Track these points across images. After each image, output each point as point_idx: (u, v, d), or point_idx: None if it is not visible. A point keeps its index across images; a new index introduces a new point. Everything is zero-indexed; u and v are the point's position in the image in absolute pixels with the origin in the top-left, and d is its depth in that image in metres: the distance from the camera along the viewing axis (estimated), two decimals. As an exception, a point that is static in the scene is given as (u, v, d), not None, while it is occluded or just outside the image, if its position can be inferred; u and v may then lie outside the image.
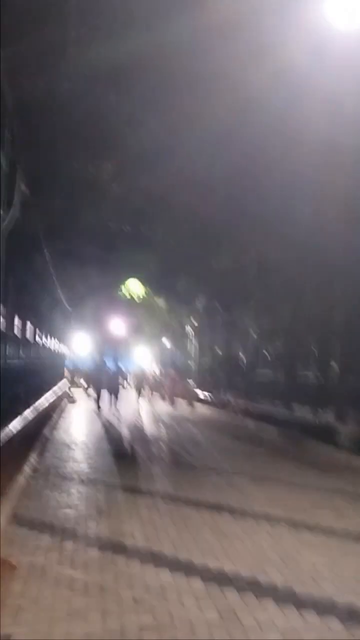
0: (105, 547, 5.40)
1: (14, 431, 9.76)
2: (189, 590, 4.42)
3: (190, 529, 6.11)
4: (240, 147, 12.77)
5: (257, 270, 17.47)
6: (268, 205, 14.52)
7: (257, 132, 11.62)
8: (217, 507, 7.04)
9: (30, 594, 4.23)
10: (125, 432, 14.46)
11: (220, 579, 4.69)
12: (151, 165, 16.28)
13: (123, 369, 27.99)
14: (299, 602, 4.29)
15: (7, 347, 10.02)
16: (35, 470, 8.91)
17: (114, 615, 3.91)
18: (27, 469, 8.93)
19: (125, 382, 25.91)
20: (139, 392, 24.23)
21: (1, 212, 8.30)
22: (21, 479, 8.17)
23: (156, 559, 5.10)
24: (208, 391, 22.79)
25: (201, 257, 20.11)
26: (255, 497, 7.79)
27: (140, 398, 23.81)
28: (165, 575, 4.73)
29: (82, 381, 32.26)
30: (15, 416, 10.62)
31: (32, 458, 9.81)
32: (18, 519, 6.17)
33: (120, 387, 24.01)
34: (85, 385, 29.79)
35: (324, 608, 4.19)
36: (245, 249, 17.37)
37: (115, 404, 20.13)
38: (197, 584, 4.58)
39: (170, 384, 23.28)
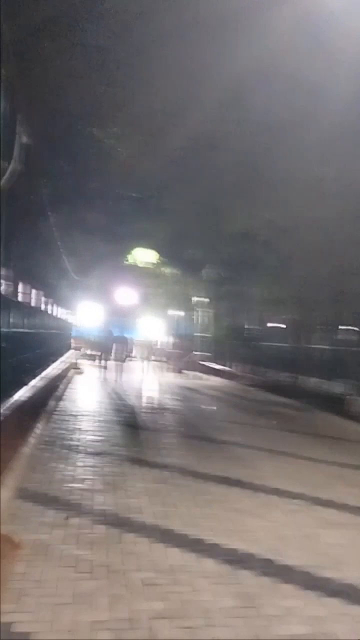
0: (112, 523, 5.16)
1: (19, 401, 9.52)
2: (200, 573, 4.17)
3: (200, 505, 5.86)
4: (253, 106, 12.20)
5: (268, 238, 17.00)
6: (281, 169, 14.02)
7: (271, 91, 11.02)
8: (227, 482, 6.79)
9: (33, 576, 3.99)
10: (132, 402, 14.25)
11: (233, 560, 4.44)
12: (161, 127, 15.77)
13: (129, 339, 27.80)
14: (319, 586, 4.03)
15: (11, 314, 9.69)
16: (40, 441, 8.67)
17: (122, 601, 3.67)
18: (32, 440, 8.70)
19: (131, 352, 25.50)
20: (146, 362, 23.82)
21: (0, 163, 7.80)
22: (26, 451, 7.93)
23: (165, 538, 4.86)
24: (216, 362, 22.57)
25: (210, 224, 19.63)
26: (267, 471, 7.54)
27: (148, 368, 23.63)
28: (175, 556, 4.49)
29: (89, 351, 32.16)
30: (21, 386, 10.38)
31: (38, 429, 9.58)
32: (22, 493, 5.93)
33: (127, 357, 23.85)
34: (93, 355, 29.70)
35: (346, 594, 3.93)
36: (256, 216, 16.88)
37: (121, 373, 19.92)
38: (209, 565, 4.33)
39: (178, 355, 23.02)
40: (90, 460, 7.62)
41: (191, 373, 22.18)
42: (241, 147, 13.97)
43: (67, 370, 21.45)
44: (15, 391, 9.68)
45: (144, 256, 24.43)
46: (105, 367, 24.54)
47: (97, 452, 8.19)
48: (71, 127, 14.79)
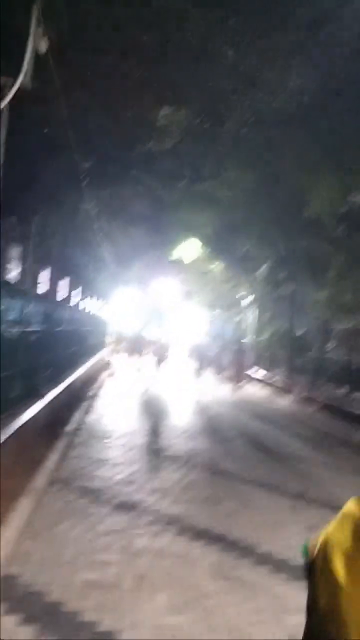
0: None
1: (29, 420, 7.30)
2: None
3: None
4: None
5: (336, 236, 14.42)
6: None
7: None
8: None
9: None
10: (178, 424, 11.67)
11: None
12: (220, 101, 13.44)
13: (167, 339, 25.57)
14: None
15: (23, 310, 7.51)
16: (51, 482, 6.41)
17: None
18: (40, 478, 6.44)
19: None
20: (198, 370, 20.71)
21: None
22: (27, 500, 5.68)
23: None
24: (267, 371, 20.03)
25: (269, 216, 17.13)
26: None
27: (194, 374, 20.89)
28: None
29: (125, 349, 30.02)
30: (35, 399, 8.15)
31: (51, 460, 7.32)
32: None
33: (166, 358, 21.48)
34: (131, 354, 27.53)
35: None
36: (324, 209, 14.29)
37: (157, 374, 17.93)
38: None
39: (236, 363, 20.46)
40: (117, 521, 5.30)
41: (241, 382, 19.70)
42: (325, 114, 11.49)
43: (97, 373, 19.27)
44: (25, 407, 7.46)
45: (190, 251, 22.09)
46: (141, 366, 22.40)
47: (129, 505, 5.86)
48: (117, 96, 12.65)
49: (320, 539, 1.00)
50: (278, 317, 20.65)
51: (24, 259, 12.20)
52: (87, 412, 11.49)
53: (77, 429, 9.50)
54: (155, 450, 8.54)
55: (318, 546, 0.99)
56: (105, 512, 5.57)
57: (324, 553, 0.97)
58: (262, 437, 10.43)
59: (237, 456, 8.68)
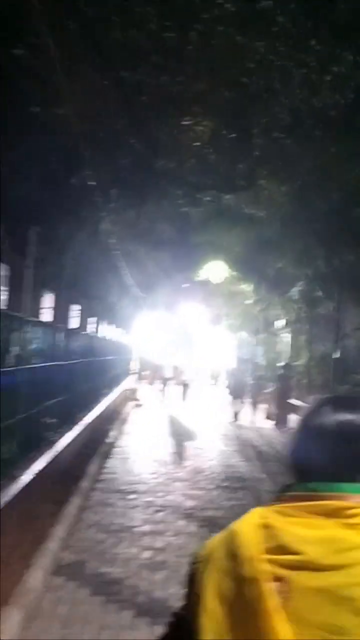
0: None
1: (30, 482, 5.77)
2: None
3: None
4: None
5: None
6: None
7: None
8: None
9: None
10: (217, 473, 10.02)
11: None
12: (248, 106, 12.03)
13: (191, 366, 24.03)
14: None
15: (26, 340, 6.08)
16: (55, 571, 4.86)
17: None
18: (37, 575, 4.88)
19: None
20: (235, 409, 17.48)
21: None
22: (22, 597, 4.16)
23: None
24: (303, 401, 18.31)
25: (308, 230, 15.58)
26: None
27: (232, 415, 17.58)
28: None
29: (149, 377, 28.57)
30: (39, 452, 6.63)
31: (56, 538, 5.76)
32: None
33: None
34: (153, 382, 26.08)
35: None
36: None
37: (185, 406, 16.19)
38: None
39: (280, 395, 17.02)
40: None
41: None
42: None
43: (121, 405, 17.76)
44: (27, 463, 5.95)
45: (218, 271, 20.62)
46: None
47: (159, 610, 4.26)
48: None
49: (206, 550, 1.07)
50: (315, 340, 18.94)
51: (24, 283, 10.82)
52: (108, 456, 9.95)
53: (95, 482, 7.95)
54: (189, 514, 6.93)
55: (203, 555, 1.06)
56: (128, 621, 4.00)
57: (205, 564, 1.05)
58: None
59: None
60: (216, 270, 20.05)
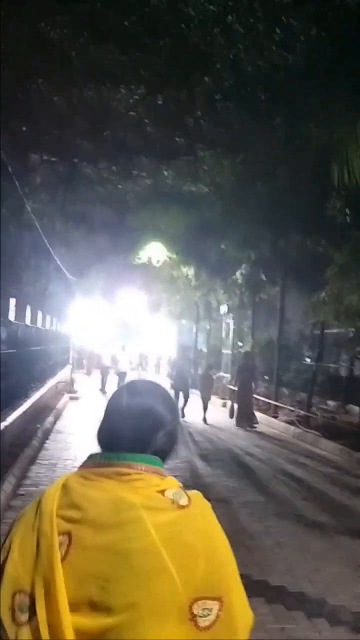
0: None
1: None
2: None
3: None
4: None
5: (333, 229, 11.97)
6: None
7: None
8: None
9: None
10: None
11: None
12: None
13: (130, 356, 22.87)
14: None
15: None
16: None
17: None
18: None
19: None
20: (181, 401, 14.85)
21: None
22: None
23: None
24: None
25: (248, 211, 14.64)
26: None
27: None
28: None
29: (86, 367, 27.29)
30: None
31: None
32: None
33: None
34: (90, 372, 24.84)
35: None
36: (321, 200, 11.82)
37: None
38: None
39: (241, 391, 14.79)
40: None
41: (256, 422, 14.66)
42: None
43: (56, 398, 16.45)
44: None
45: (157, 254, 19.50)
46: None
47: None
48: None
49: (24, 509, 1.22)
50: (259, 326, 18.21)
51: None
52: (30, 463, 8.69)
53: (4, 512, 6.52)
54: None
55: (20, 512, 1.23)
56: None
57: (19, 519, 1.20)
58: None
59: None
60: (155, 252, 18.93)
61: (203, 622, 1.07)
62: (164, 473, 1.24)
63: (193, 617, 1.06)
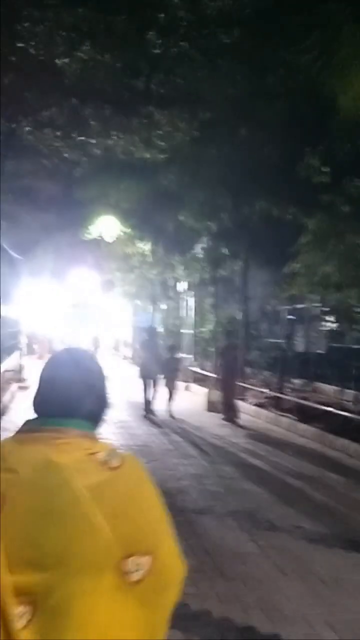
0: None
1: None
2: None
3: None
4: None
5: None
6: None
7: None
8: None
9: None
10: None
11: None
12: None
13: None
14: None
15: None
16: None
17: None
18: None
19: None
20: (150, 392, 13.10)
21: None
22: None
23: None
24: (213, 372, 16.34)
25: (208, 178, 13.46)
26: None
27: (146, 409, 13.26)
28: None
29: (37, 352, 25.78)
30: None
31: None
32: None
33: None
34: (42, 357, 23.35)
35: None
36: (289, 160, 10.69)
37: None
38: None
39: (226, 378, 12.87)
40: None
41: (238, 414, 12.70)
42: None
43: (3, 388, 14.95)
44: None
45: (109, 228, 18.09)
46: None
47: None
48: None
49: None
50: (222, 303, 17.09)
51: None
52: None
53: None
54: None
55: None
56: None
57: None
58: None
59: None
60: (107, 227, 17.48)
61: (134, 577, 1.11)
62: (95, 436, 1.33)
63: (125, 573, 1.10)
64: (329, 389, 13.27)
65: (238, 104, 10.81)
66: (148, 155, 14.24)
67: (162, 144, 13.63)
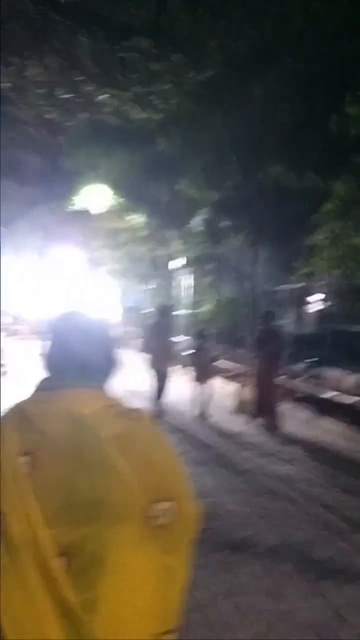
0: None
1: None
2: None
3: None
4: None
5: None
6: None
7: None
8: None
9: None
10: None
11: None
12: None
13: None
14: None
15: None
16: None
17: None
18: None
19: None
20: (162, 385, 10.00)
21: None
22: None
23: None
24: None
25: (210, 141, 12.08)
26: None
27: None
28: None
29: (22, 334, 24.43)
30: None
31: None
32: None
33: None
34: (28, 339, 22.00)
35: None
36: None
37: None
38: None
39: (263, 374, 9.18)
40: None
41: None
42: None
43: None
44: None
45: (98, 198, 16.57)
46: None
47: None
48: None
49: None
50: (223, 282, 15.73)
51: None
52: None
53: None
54: None
55: None
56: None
57: None
58: None
59: None
60: (96, 197, 15.93)
61: (160, 521, 1.14)
62: (110, 392, 1.37)
63: (150, 519, 1.13)
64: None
65: (252, 53, 9.38)
66: (143, 116, 12.71)
67: (159, 102, 12.12)
